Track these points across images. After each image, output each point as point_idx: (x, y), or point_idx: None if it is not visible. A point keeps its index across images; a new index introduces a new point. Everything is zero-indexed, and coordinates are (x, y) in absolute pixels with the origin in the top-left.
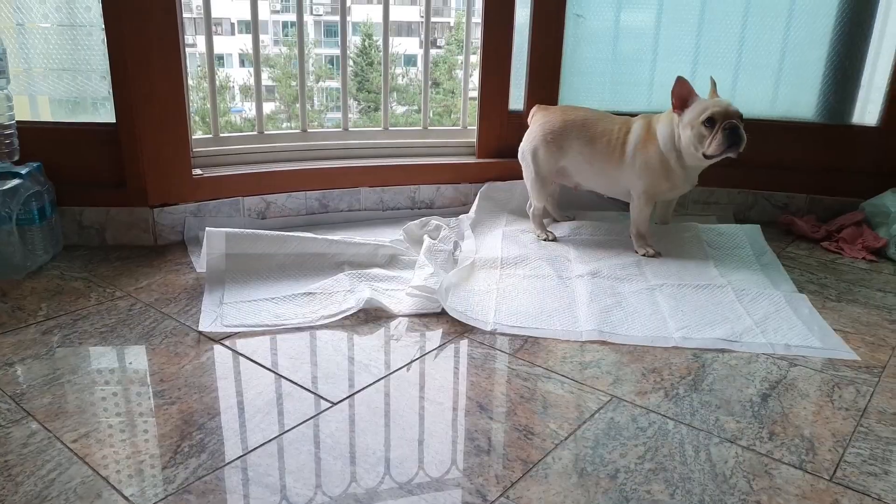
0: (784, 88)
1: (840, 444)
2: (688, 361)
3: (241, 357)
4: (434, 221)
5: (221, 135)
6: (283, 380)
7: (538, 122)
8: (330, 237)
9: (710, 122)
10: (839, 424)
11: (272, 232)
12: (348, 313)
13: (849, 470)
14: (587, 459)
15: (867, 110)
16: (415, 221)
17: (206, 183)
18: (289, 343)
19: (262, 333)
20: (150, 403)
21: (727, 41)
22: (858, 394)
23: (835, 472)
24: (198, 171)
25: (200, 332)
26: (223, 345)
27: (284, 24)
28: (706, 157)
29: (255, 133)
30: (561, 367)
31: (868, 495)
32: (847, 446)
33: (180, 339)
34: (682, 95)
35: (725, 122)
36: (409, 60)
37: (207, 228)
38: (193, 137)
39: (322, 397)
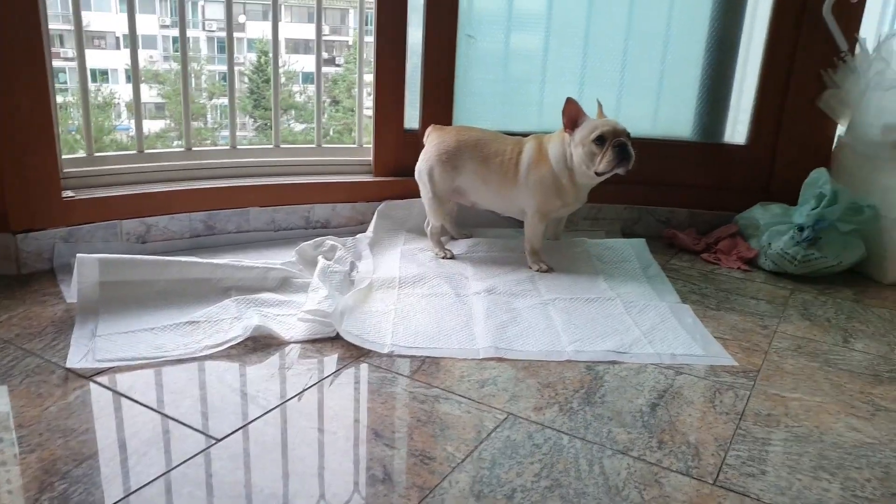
0: (664, 109)
1: (722, 448)
2: (581, 374)
3: (114, 394)
4: (329, 241)
5: (97, 154)
6: (162, 417)
7: (433, 142)
8: (215, 261)
9: (600, 140)
10: (721, 429)
11: (151, 257)
12: (234, 342)
13: (730, 473)
14: (484, 481)
15: (737, 130)
16: (308, 242)
17: (79, 205)
18: (170, 376)
19: (140, 367)
20: (7, 452)
21: (611, 63)
22: (737, 398)
23: (717, 475)
24: (69, 193)
25: (68, 369)
26: (95, 382)
27: (175, 40)
28: (597, 174)
29: (134, 152)
30: (458, 387)
31: (748, 496)
32: (728, 450)
33: (44, 377)
34: (572, 116)
35: (614, 140)
36: (307, 78)
37: (78, 255)
38: (65, 157)
39: (206, 434)
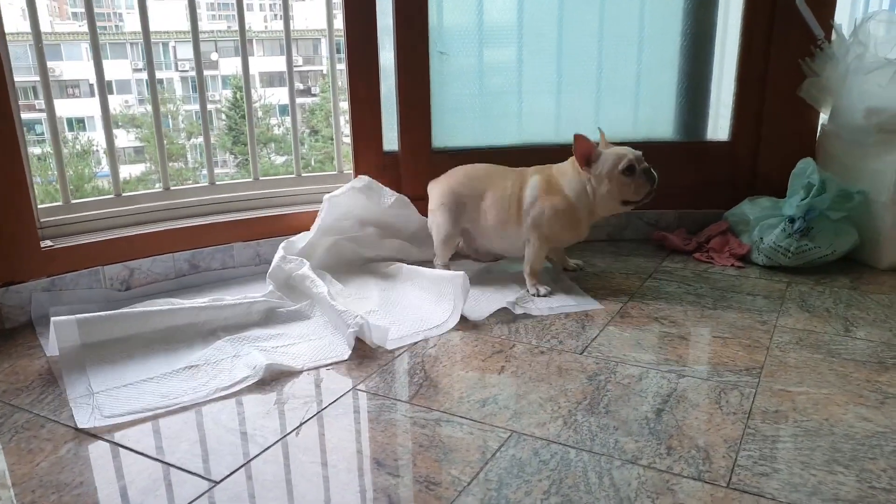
0: (643, 111)
1: (732, 450)
2: (583, 385)
3: (107, 443)
4: (290, 256)
5: (74, 201)
6: (158, 463)
7: (431, 195)
8: (197, 304)
9: (630, 169)
10: (729, 429)
11: (131, 310)
12: (247, 383)
13: (743, 474)
14: (492, 503)
15: (719, 126)
16: (274, 262)
17: (59, 254)
18: (164, 421)
19: (154, 418)
20: None
21: (587, 69)
22: (743, 396)
23: (730, 478)
24: (48, 243)
25: (81, 430)
26: (86, 433)
27: (148, 83)
28: (626, 202)
29: (112, 196)
30: (459, 408)
31: (763, 496)
32: (738, 450)
33: (34, 432)
34: (585, 152)
35: (641, 166)
36: (284, 110)
37: (53, 319)
38: (41, 207)
39: (203, 477)
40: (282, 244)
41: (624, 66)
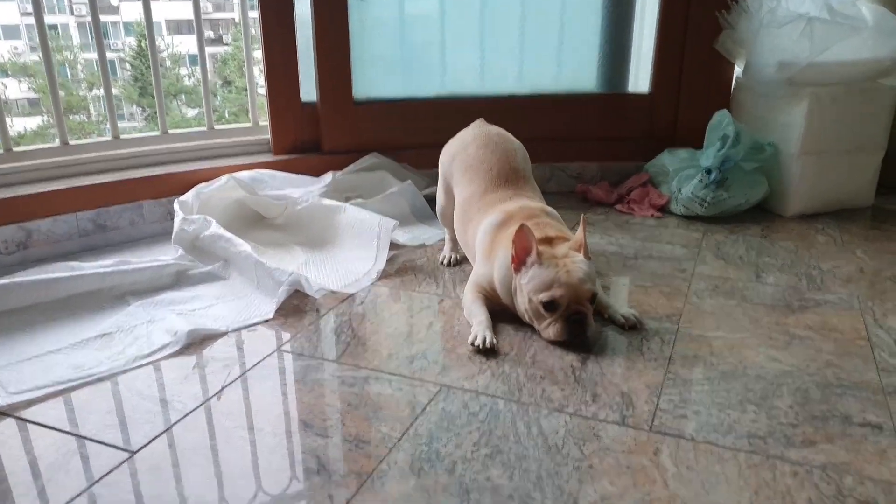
0: (566, 63)
1: (654, 395)
2: (510, 336)
3: (9, 419)
4: (193, 217)
5: None
6: (67, 435)
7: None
8: (102, 268)
9: (551, 305)
10: (651, 375)
11: (28, 278)
12: (169, 350)
13: (665, 417)
14: (423, 458)
15: (639, 79)
16: (176, 225)
17: None
18: (73, 392)
19: (66, 391)
20: None
21: (509, 24)
22: (663, 343)
23: (653, 421)
24: None
25: None
26: None
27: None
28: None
29: (0, 151)
30: (388, 365)
31: (683, 437)
32: (660, 395)
33: None
34: (523, 255)
35: (571, 311)
36: (195, 60)
37: None
38: None
39: (119, 447)
40: (175, 203)
41: (546, 21)
